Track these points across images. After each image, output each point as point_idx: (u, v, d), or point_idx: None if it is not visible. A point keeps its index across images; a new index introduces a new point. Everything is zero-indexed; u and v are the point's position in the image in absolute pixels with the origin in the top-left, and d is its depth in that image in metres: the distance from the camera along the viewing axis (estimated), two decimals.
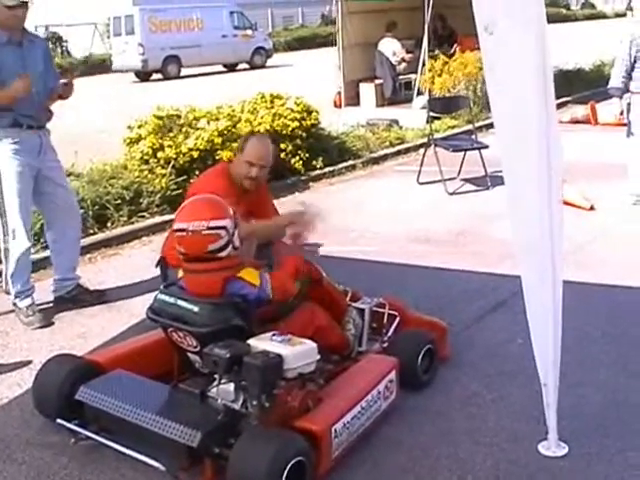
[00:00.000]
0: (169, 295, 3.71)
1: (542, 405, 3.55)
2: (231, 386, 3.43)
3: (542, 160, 3.10)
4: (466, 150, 8.99)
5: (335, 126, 10.87)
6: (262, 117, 9.13)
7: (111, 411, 3.53)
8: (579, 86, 15.07)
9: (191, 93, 15.46)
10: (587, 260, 6.06)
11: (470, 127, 10.37)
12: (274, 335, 3.53)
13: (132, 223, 7.48)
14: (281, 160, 9.09)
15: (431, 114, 9.46)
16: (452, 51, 13.27)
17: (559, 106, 13.48)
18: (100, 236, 7.20)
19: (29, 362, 4.74)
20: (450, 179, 8.78)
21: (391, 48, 13.54)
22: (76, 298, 5.67)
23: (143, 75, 27.64)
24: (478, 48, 3.25)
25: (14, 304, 5.43)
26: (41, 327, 5.29)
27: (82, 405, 3.67)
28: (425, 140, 9.77)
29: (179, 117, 8.71)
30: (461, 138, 10.24)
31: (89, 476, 3.52)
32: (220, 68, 29.45)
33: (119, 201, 7.56)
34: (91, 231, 7.20)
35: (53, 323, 5.38)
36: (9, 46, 5.13)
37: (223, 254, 3.61)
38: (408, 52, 13.66)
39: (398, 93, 13.64)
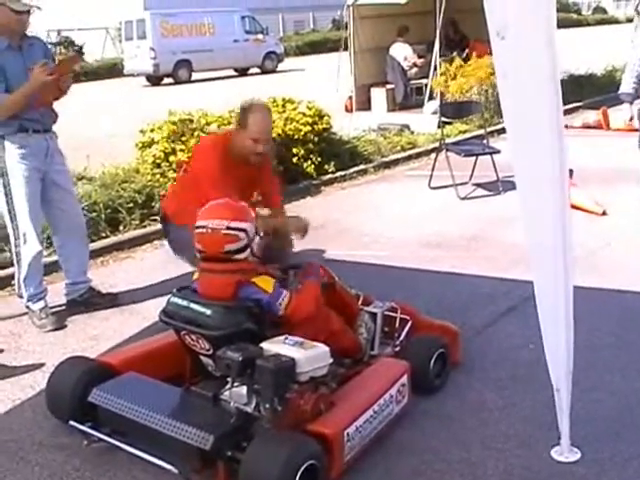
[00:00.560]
0: (182, 298, 3.72)
1: (554, 410, 3.54)
2: (244, 389, 3.43)
3: (555, 165, 3.10)
4: (478, 155, 8.97)
5: (346, 130, 10.87)
6: (274, 121, 9.13)
7: (124, 413, 3.53)
8: (591, 91, 15.03)
9: (202, 97, 15.48)
10: (599, 265, 6.05)
11: (482, 132, 10.36)
12: (287, 339, 3.54)
13: (144, 227, 7.50)
14: (293, 164, 9.11)
15: (442, 119, 9.46)
16: (464, 56, 13.27)
17: (570, 111, 13.50)
18: (112, 239, 7.22)
19: (42, 364, 4.76)
20: (462, 184, 8.76)
21: (402, 53, 13.55)
22: (88, 301, 5.69)
23: (154, 79, 27.72)
24: (490, 53, 3.26)
25: (27, 307, 5.46)
26: (54, 330, 5.31)
27: (95, 407, 3.68)
28: (436, 145, 9.76)
29: (191, 121, 8.73)
30: (473, 143, 10.22)
31: (101, 478, 3.53)
32: (231, 72, 29.51)
33: (131, 205, 7.59)
34: (103, 234, 7.22)
35: (66, 326, 5.40)
36: (10, 51, 5.13)
37: (240, 256, 3.65)
38: (419, 57, 13.66)
39: (409, 98, 13.66)
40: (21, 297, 5.52)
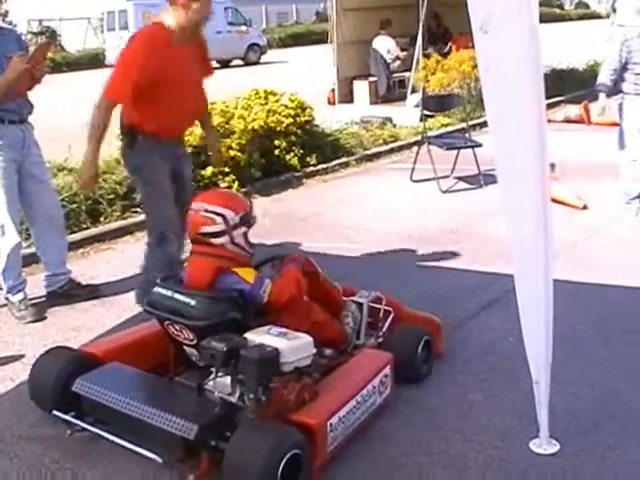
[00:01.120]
0: (166, 288, 3.74)
1: (534, 403, 3.56)
2: (228, 379, 3.46)
3: (536, 159, 3.11)
4: (460, 148, 8.99)
5: (329, 123, 10.86)
6: (256, 113, 9.11)
7: (107, 403, 3.53)
8: (572, 86, 15.08)
9: None
10: (580, 259, 6.08)
11: (464, 125, 10.39)
12: (271, 329, 3.57)
13: (125, 218, 7.47)
14: (275, 157, 9.10)
15: (425, 112, 9.46)
16: (447, 49, 13.28)
17: (553, 105, 13.55)
18: (93, 231, 7.19)
19: (21, 356, 4.73)
20: (443, 177, 8.79)
21: (385, 46, 13.55)
22: (68, 293, 5.65)
23: None
24: (472, 47, 3.25)
25: (6, 299, 5.42)
26: (34, 321, 5.28)
27: (78, 397, 3.67)
28: (419, 138, 9.77)
29: None
30: (455, 136, 10.25)
31: (81, 470, 3.51)
32: (214, 64, 29.35)
33: (112, 196, 7.55)
34: (84, 226, 7.19)
35: (46, 317, 5.37)
36: None
37: (217, 241, 3.73)
38: (402, 50, 13.67)
39: (392, 91, 13.66)
40: (0, 289, 5.48)
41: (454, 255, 6.37)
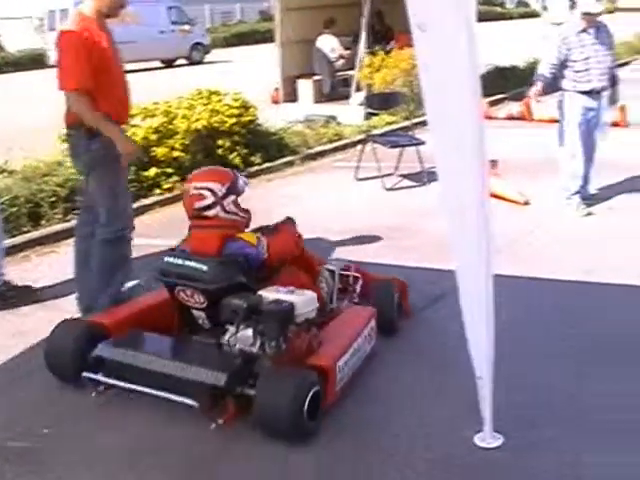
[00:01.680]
0: (176, 257, 4.10)
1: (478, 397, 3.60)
2: (249, 332, 3.89)
3: (474, 156, 3.14)
4: (403, 146, 9.06)
5: (273, 122, 10.84)
6: (199, 113, 9.05)
7: (136, 362, 3.84)
8: (514, 83, 15.25)
9: None
10: (521, 254, 6.17)
11: (407, 123, 10.45)
12: (278, 288, 4.01)
13: (67, 221, 7.34)
14: (218, 156, 9.05)
15: (368, 110, 9.50)
16: (389, 48, 13.33)
17: (496, 103, 13.72)
18: (34, 234, 7.07)
19: None
20: (388, 175, 8.84)
21: (329, 45, 13.56)
22: (3, 295, 5.56)
23: None
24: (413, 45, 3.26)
25: None
26: None
27: (99, 363, 3.95)
28: (363, 136, 9.81)
29: None
30: (398, 134, 10.30)
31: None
32: (157, 64, 29.13)
33: (54, 198, 7.44)
34: (25, 229, 7.07)
35: None
36: None
37: (209, 213, 4.13)
38: (346, 49, 13.69)
39: (336, 89, 13.67)
40: None
41: (398, 252, 6.41)
